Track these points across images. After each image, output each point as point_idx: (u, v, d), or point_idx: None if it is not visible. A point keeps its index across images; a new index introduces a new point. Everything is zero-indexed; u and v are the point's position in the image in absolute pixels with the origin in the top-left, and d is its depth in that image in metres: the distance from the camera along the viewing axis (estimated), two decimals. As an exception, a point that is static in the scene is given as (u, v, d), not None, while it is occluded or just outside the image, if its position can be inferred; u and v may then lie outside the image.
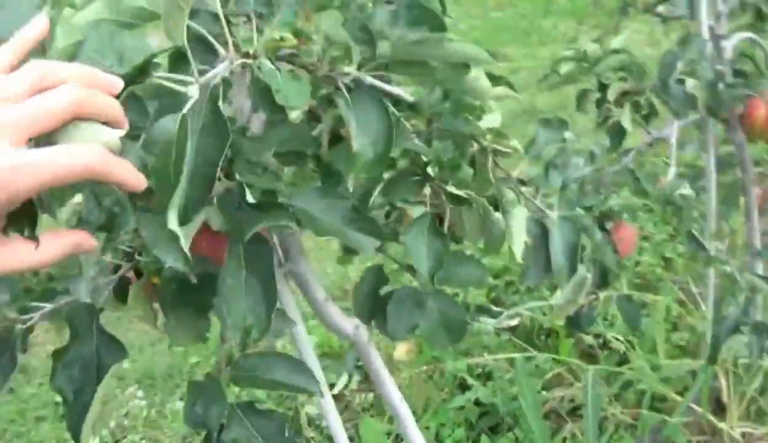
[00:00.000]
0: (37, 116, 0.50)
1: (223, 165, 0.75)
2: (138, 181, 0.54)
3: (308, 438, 2.19)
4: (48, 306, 0.90)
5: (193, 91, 0.61)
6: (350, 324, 1.16)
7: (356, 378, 2.38)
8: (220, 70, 0.64)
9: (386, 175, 0.87)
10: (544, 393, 1.90)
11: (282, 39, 0.72)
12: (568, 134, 1.11)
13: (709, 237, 1.51)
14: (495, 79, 0.92)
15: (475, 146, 1.03)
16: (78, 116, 0.51)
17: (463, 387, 2.17)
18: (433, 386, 2.15)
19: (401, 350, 2.43)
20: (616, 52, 1.53)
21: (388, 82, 0.87)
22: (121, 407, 2.64)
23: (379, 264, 1.15)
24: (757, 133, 1.67)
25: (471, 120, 0.97)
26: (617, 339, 2.04)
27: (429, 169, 0.88)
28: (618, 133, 1.63)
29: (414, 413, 2.13)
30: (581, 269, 1.70)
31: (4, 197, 0.48)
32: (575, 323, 1.64)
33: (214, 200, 0.72)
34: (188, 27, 0.64)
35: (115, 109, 0.54)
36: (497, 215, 1.01)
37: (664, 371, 1.82)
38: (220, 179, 0.77)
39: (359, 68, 0.71)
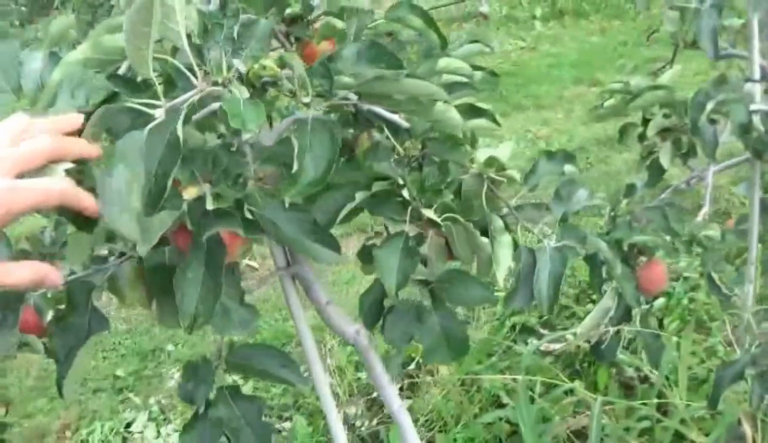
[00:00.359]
0: (27, 155, 0.65)
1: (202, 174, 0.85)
2: (95, 207, 0.69)
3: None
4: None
5: (160, 113, 0.71)
6: (351, 328, 1.23)
7: (399, 383, 2.44)
8: (188, 96, 0.73)
9: (359, 195, 0.93)
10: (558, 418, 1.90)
11: (264, 67, 0.80)
12: (568, 167, 1.14)
13: (731, 280, 1.49)
14: (479, 112, 0.96)
15: (469, 173, 1.08)
16: (54, 157, 0.67)
17: (499, 404, 2.19)
18: (468, 400, 2.18)
19: (444, 361, 2.47)
20: (657, 87, 1.53)
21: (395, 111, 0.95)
22: (169, 385, 2.81)
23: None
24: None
25: (461, 148, 1.02)
26: (653, 373, 2.02)
27: (404, 193, 0.94)
28: (657, 170, 1.63)
29: (445, 424, 2.19)
30: (606, 299, 1.72)
31: (2, 212, 0.62)
32: (598, 353, 1.65)
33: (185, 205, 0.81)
34: (167, 60, 0.76)
35: (79, 145, 0.70)
36: (484, 240, 1.05)
37: (692, 411, 1.80)
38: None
39: (318, 98, 0.78)
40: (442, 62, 1.06)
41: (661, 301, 2.46)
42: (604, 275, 1.48)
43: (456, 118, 0.86)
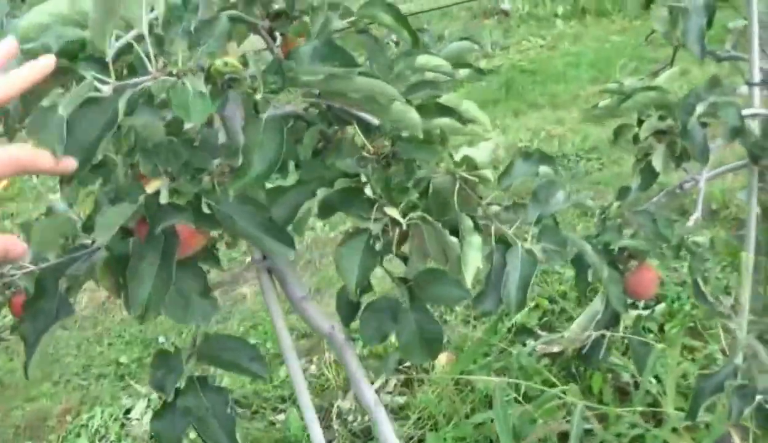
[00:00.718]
0: None
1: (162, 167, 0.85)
2: (55, 165, 0.66)
3: (334, 429, 2.28)
4: (30, 267, 1.04)
5: (107, 89, 0.72)
6: (326, 324, 1.23)
7: (394, 380, 2.44)
8: (140, 80, 0.74)
9: (321, 192, 0.92)
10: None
11: (227, 64, 0.80)
12: (543, 169, 1.13)
13: (717, 289, 1.46)
14: (445, 111, 0.95)
15: (441, 172, 1.07)
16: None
17: (492, 405, 2.17)
18: (461, 400, 2.18)
19: (442, 359, 2.47)
20: (650, 88, 1.50)
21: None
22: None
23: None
24: (802, 187, 1.60)
25: (431, 146, 1.01)
26: (649, 381, 1.99)
27: (367, 190, 0.93)
28: (650, 173, 1.60)
29: (436, 423, 2.18)
30: (596, 302, 1.70)
31: None
32: (585, 358, 1.63)
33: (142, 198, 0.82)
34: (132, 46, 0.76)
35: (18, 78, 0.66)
36: (454, 240, 1.04)
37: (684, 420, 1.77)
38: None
39: (272, 94, 0.78)
40: (422, 59, 1.05)
41: (662, 307, 2.44)
42: (590, 279, 1.46)
43: (415, 118, 0.86)
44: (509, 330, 2.45)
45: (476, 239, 1.04)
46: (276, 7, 1.16)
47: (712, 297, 1.37)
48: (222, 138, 1.03)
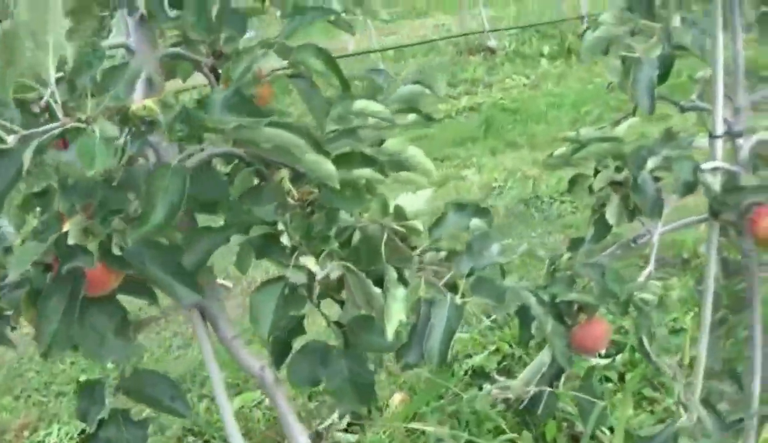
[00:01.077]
0: None
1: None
2: None
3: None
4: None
5: (12, 141, 0.71)
6: (256, 364, 1.20)
7: (347, 418, 2.39)
8: (48, 129, 0.74)
9: (235, 239, 0.90)
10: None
11: (145, 108, 0.78)
12: (475, 221, 1.10)
13: (660, 348, 1.43)
14: (368, 161, 0.92)
15: (366, 221, 1.04)
16: None
17: (444, 448, 2.13)
18: (411, 442, 2.13)
19: (396, 399, 2.43)
20: (604, 139, 1.49)
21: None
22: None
23: (302, 315, 1.17)
24: (761, 243, 1.57)
25: (358, 195, 0.98)
26: (603, 432, 1.96)
27: (283, 238, 0.90)
28: (603, 225, 1.57)
29: (388, 465, 2.13)
30: (543, 354, 1.66)
31: None
32: (528, 410, 1.60)
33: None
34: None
35: None
36: (378, 290, 1.01)
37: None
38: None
39: (180, 141, 0.76)
40: (359, 104, 1.03)
41: (623, 356, 2.40)
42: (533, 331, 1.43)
43: (330, 169, 0.83)
44: (466, 372, 2.41)
45: (400, 291, 1.01)
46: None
47: (656, 356, 1.33)
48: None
